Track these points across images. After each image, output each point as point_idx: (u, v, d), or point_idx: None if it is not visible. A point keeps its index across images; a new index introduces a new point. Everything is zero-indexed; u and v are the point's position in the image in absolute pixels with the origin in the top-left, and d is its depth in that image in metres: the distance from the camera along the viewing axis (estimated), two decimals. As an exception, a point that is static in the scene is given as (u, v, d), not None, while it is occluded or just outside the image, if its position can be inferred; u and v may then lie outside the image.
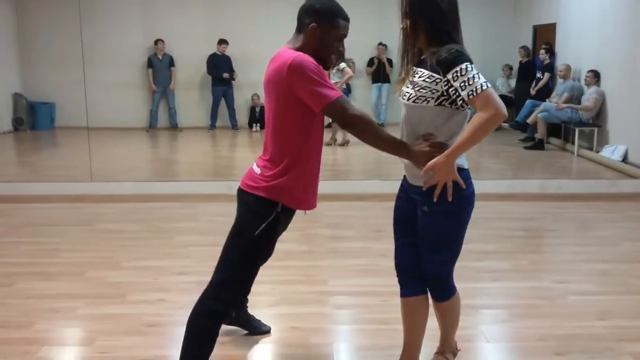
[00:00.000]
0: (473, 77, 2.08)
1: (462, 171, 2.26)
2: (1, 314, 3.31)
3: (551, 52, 9.20)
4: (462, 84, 2.09)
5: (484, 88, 2.07)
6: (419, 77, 2.22)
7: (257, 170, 2.42)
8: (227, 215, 5.25)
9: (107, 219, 5.25)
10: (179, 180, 6.63)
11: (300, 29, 2.35)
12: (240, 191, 2.47)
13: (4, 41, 10.19)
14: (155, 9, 10.47)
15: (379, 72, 10.33)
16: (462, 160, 2.28)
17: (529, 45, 10.13)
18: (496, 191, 5.94)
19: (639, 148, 6.94)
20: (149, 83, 10.52)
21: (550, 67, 9.10)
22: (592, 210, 5.56)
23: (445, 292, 2.47)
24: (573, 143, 8.08)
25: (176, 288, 3.68)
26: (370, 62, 10.35)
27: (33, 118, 10.49)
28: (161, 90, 10.51)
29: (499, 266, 4.05)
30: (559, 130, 8.75)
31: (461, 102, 2.16)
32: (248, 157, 9.12)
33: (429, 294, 2.50)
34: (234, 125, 10.48)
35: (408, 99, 2.25)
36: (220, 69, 10.25)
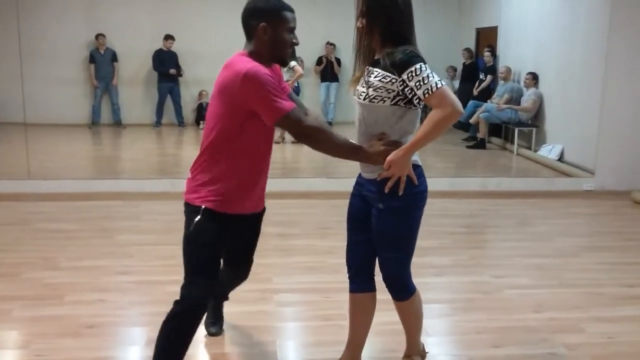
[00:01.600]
0: (427, 76, 2.13)
1: (416, 168, 2.31)
2: None
3: (494, 54, 9.47)
4: (417, 84, 2.14)
5: (438, 86, 2.13)
6: (375, 77, 2.24)
7: (189, 174, 2.44)
8: (170, 213, 5.23)
9: (45, 218, 5.08)
10: (122, 179, 6.48)
11: (249, 33, 2.31)
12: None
13: None
14: (99, 2, 10.18)
15: (327, 71, 10.39)
16: (416, 157, 2.33)
17: (472, 47, 10.39)
18: (439, 189, 6.06)
19: (574, 147, 7.24)
20: (91, 78, 10.23)
21: (492, 69, 9.37)
22: (530, 207, 5.77)
23: (404, 290, 2.50)
24: (513, 142, 8.35)
25: (116, 288, 3.60)
26: (319, 61, 10.40)
27: (-33, 113, 10.02)
28: (103, 85, 10.23)
29: (441, 262, 4.15)
30: (500, 130, 9.02)
31: (417, 101, 2.21)
32: (194, 154, 8.94)
33: (376, 292, 2.54)
34: (181, 122, 10.32)
35: (364, 99, 2.27)
36: (166, 65, 10.08)
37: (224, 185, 2.34)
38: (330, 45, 10.27)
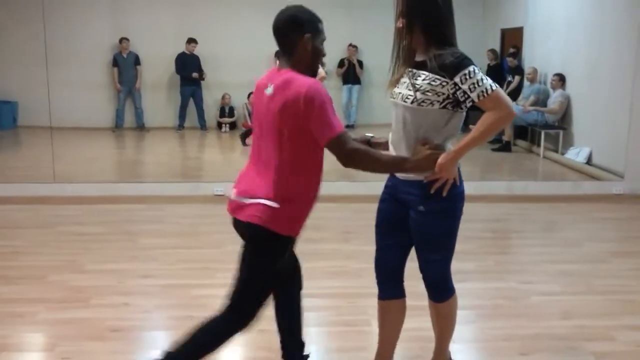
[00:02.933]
0: (481, 79, 2.13)
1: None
2: (-43, 319, 3.20)
3: (516, 55, 9.34)
4: (471, 86, 2.13)
5: (493, 89, 2.12)
6: (423, 79, 2.21)
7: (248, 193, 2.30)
8: (193, 217, 5.25)
9: (70, 221, 5.13)
10: (145, 182, 6.53)
11: (289, 45, 2.23)
12: None
13: (-36, 38, 9.90)
14: (122, 6, 10.29)
15: (350, 73, 10.33)
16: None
17: (497, 48, 10.26)
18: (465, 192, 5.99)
19: (602, 150, 7.10)
20: (114, 82, 10.33)
21: (520, 70, 9.24)
22: (557, 212, 5.66)
23: (445, 292, 2.48)
24: (539, 145, 8.22)
25: (141, 292, 3.61)
26: (341, 64, 10.36)
27: (-5, 117, 10.21)
28: (127, 89, 10.32)
29: (466, 267, 4.08)
30: (526, 132, 8.88)
31: (470, 103, 2.19)
32: (216, 158, 9.05)
33: (405, 298, 2.51)
34: (203, 126, 10.36)
35: (411, 102, 2.22)
36: (189, 69, 10.13)
37: (297, 207, 2.26)
38: (353, 47, 10.23)
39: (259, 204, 2.21)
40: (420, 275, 2.46)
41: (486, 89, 2.12)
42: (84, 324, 3.17)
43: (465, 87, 2.13)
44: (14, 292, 3.59)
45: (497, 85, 2.14)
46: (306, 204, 2.29)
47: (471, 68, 2.13)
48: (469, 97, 2.15)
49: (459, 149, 2.20)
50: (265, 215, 2.19)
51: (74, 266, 4.02)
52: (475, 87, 2.12)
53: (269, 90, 2.21)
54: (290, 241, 2.32)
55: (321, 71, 8.81)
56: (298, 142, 2.18)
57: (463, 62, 2.14)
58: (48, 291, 3.60)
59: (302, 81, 2.15)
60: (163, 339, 3.04)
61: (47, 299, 3.49)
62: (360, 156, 2.18)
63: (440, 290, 2.47)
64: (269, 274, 2.30)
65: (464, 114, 2.28)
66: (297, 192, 2.24)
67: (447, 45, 2.21)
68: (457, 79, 2.14)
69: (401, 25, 2.25)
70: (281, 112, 2.15)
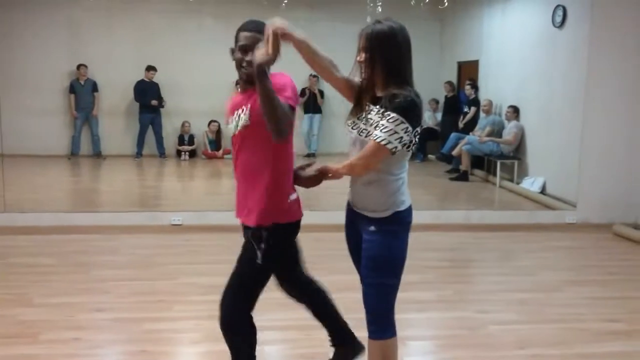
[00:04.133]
0: (389, 130, 2.18)
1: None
2: None
3: (475, 87, 9.59)
4: (380, 125, 2.20)
5: (378, 141, 2.20)
6: (375, 114, 2.28)
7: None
8: (149, 247, 5.14)
9: (20, 252, 4.96)
10: (101, 211, 6.37)
11: None
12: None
13: None
14: (80, 33, 10.17)
15: (311, 102, 10.43)
16: (406, 197, 2.39)
17: (454, 80, 10.53)
18: (422, 221, 6.03)
19: (555, 180, 7.29)
20: (71, 109, 10.14)
21: (476, 102, 9.48)
22: (513, 241, 5.76)
23: (383, 328, 2.39)
24: (495, 175, 8.40)
25: (92, 326, 3.49)
26: (302, 93, 10.44)
27: (-57, 144, 9.86)
28: (83, 116, 10.14)
29: (424, 297, 4.10)
30: (483, 162, 9.08)
31: (409, 144, 2.26)
32: (175, 186, 8.92)
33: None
34: (162, 154, 10.24)
35: (366, 135, 2.28)
36: (148, 96, 10.04)
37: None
38: (314, 77, 10.33)
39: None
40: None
41: (377, 136, 2.20)
42: (31, 360, 3.04)
43: (380, 121, 2.22)
44: (-43, 327, 3.42)
45: (389, 144, 2.19)
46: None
47: (401, 119, 2.18)
48: (370, 131, 2.26)
49: (341, 169, 2.34)
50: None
51: (23, 299, 3.87)
52: (379, 128, 2.21)
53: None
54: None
55: None
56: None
57: (404, 110, 2.19)
58: (-6, 326, 3.45)
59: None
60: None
61: (-7, 334, 3.34)
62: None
63: (378, 323, 2.38)
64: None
65: (409, 152, 2.33)
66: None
67: (405, 83, 2.27)
68: (386, 113, 2.22)
69: (361, 60, 2.30)
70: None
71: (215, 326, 3.37)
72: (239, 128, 2.41)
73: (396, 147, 2.20)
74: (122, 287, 4.12)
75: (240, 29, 2.39)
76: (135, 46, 10.27)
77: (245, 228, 2.49)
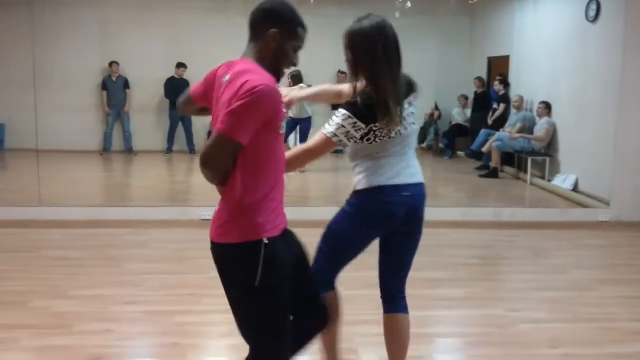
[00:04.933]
0: (333, 121, 2.33)
1: (370, 191, 2.40)
2: None
3: (505, 83, 9.46)
4: (332, 119, 2.36)
5: (324, 132, 2.33)
6: None
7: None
8: (179, 241, 5.20)
9: (54, 245, 5.07)
10: (132, 206, 6.47)
11: (257, 34, 2.04)
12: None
13: (-47, 60, 9.87)
14: (112, 30, 10.33)
15: (338, 99, 10.40)
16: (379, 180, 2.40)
17: (484, 76, 10.40)
18: (451, 218, 6.01)
19: (588, 177, 7.16)
20: (103, 105, 10.32)
21: (505, 98, 9.35)
22: (544, 238, 5.68)
23: (324, 286, 2.49)
24: (526, 172, 8.28)
25: (124, 318, 3.55)
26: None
27: (-20, 139, 10.14)
28: (115, 112, 10.32)
29: (453, 294, 4.07)
30: (513, 159, 8.96)
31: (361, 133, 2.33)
32: (204, 182, 8.96)
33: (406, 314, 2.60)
34: (192, 150, 10.35)
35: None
36: (178, 93, 10.03)
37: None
38: (342, 73, 10.32)
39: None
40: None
41: (325, 127, 2.34)
42: (65, 351, 3.11)
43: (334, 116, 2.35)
44: (-5, 317, 3.52)
45: (333, 134, 2.31)
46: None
47: (343, 110, 2.30)
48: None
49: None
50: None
51: (57, 291, 3.95)
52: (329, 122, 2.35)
53: (226, 78, 1.98)
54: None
55: (303, 86, 8.84)
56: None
57: (352, 106, 2.30)
58: (30, 317, 3.53)
59: (258, 75, 1.91)
60: (146, 367, 3.00)
61: (29, 325, 3.42)
62: (213, 163, 1.94)
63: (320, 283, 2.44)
64: None
65: (374, 144, 2.37)
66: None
67: (371, 83, 2.32)
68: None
69: (348, 58, 2.38)
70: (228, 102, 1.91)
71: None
72: None
73: (341, 140, 2.32)
74: (153, 280, 4.18)
75: (297, 23, 2.05)
76: (166, 43, 10.39)
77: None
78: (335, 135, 2.31)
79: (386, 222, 2.42)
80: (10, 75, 9.64)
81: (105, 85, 10.28)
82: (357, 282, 3.36)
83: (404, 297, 2.59)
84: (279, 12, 2.02)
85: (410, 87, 2.42)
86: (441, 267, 4.59)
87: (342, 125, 2.30)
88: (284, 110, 2.03)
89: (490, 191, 8.03)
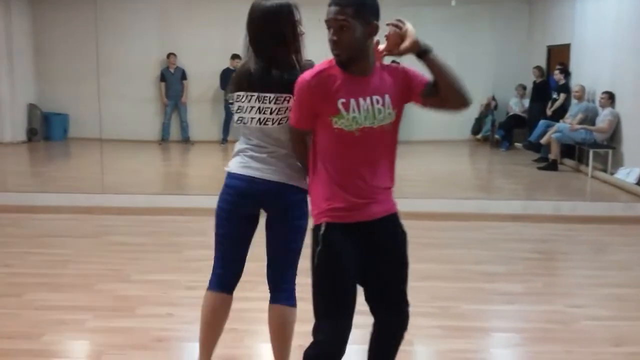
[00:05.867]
0: None
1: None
2: (10, 324, 3.29)
3: (566, 72, 9.17)
4: None
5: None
6: None
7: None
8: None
9: (116, 231, 5.25)
10: (190, 194, 6.62)
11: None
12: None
13: (21, 53, 10.30)
14: (170, 22, 10.56)
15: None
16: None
17: (543, 65, 10.10)
18: (508, 212, 5.88)
19: (654, 171, 6.87)
20: (161, 96, 10.58)
21: (566, 88, 9.06)
22: (607, 234, 5.49)
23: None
24: (587, 164, 8.01)
25: (185, 303, 3.65)
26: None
27: (47, 129, 10.57)
28: (173, 103, 10.56)
29: (512, 288, 3.98)
30: (573, 151, 8.67)
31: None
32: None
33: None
34: (246, 140, 10.50)
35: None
36: (233, 84, 10.29)
37: None
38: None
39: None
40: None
41: None
42: (129, 333, 3.22)
43: None
44: (63, 299, 3.67)
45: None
46: None
47: None
48: None
49: None
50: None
51: (121, 275, 4.10)
52: None
53: None
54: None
55: None
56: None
57: None
58: (95, 300, 3.67)
59: None
60: (206, 351, 3.06)
61: (95, 307, 3.56)
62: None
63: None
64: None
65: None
66: None
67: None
68: None
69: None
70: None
71: (301, 307, 3.44)
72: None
73: None
74: (212, 267, 4.27)
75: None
76: (221, 35, 10.53)
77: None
78: None
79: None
80: (75, 67, 10.00)
81: (163, 76, 10.52)
82: (415, 275, 3.33)
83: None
84: None
85: None
86: (499, 261, 4.51)
87: None
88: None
89: (549, 184, 7.81)
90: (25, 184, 7.40)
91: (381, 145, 2.16)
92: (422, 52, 2.06)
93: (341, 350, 2.13)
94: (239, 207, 2.52)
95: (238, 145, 2.53)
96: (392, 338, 2.32)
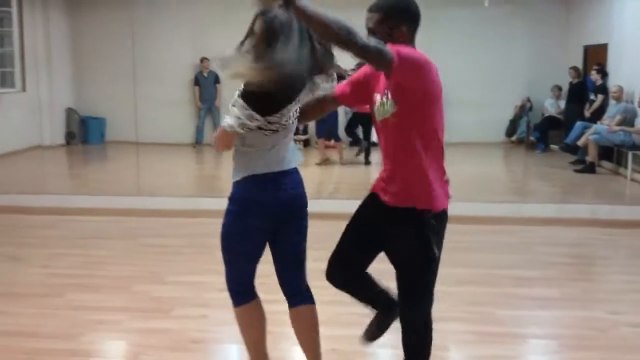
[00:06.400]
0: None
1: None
2: (50, 324, 3.38)
3: (603, 72, 8.97)
4: None
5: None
6: None
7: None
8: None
9: (152, 233, 5.33)
10: (224, 197, 6.66)
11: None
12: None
13: (59, 58, 10.56)
14: (203, 27, 10.68)
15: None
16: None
17: (580, 65, 9.90)
18: (544, 215, 5.78)
19: (696, 174, 6.67)
20: (195, 100, 10.72)
21: (604, 89, 8.87)
22: (646, 238, 5.35)
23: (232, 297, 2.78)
24: (626, 167, 7.81)
25: (219, 304, 3.67)
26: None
27: (84, 132, 10.82)
28: (207, 107, 10.69)
29: (547, 294, 3.91)
30: (611, 153, 8.47)
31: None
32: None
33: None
34: (278, 143, 10.56)
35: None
36: (265, 87, 10.35)
37: None
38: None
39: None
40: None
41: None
42: (165, 334, 3.27)
43: None
44: (100, 300, 3.75)
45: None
46: None
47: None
48: None
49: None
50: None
51: (156, 277, 4.16)
52: None
53: None
54: None
55: None
56: None
57: None
58: (132, 301, 3.74)
59: None
60: (237, 353, 3.09)
61: (131, 308, 3.62)
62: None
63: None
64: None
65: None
66: None
67: None
68: None
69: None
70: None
71: (331, 310, 3.45)
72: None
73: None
74: (245, 269, 4.31)
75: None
76: (254, 39, 10.62)
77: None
78: None
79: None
80: (111, 71, 10.20)
81: (197, 80, 10.66)
82: (448, 279, 3.31)
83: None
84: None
85: None
86: (534, 266, 4.43)
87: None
88: None
89: (586, 187, 7.65)
90: (63, 187, 7.58)
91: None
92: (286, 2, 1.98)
93: None
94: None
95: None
96: None
